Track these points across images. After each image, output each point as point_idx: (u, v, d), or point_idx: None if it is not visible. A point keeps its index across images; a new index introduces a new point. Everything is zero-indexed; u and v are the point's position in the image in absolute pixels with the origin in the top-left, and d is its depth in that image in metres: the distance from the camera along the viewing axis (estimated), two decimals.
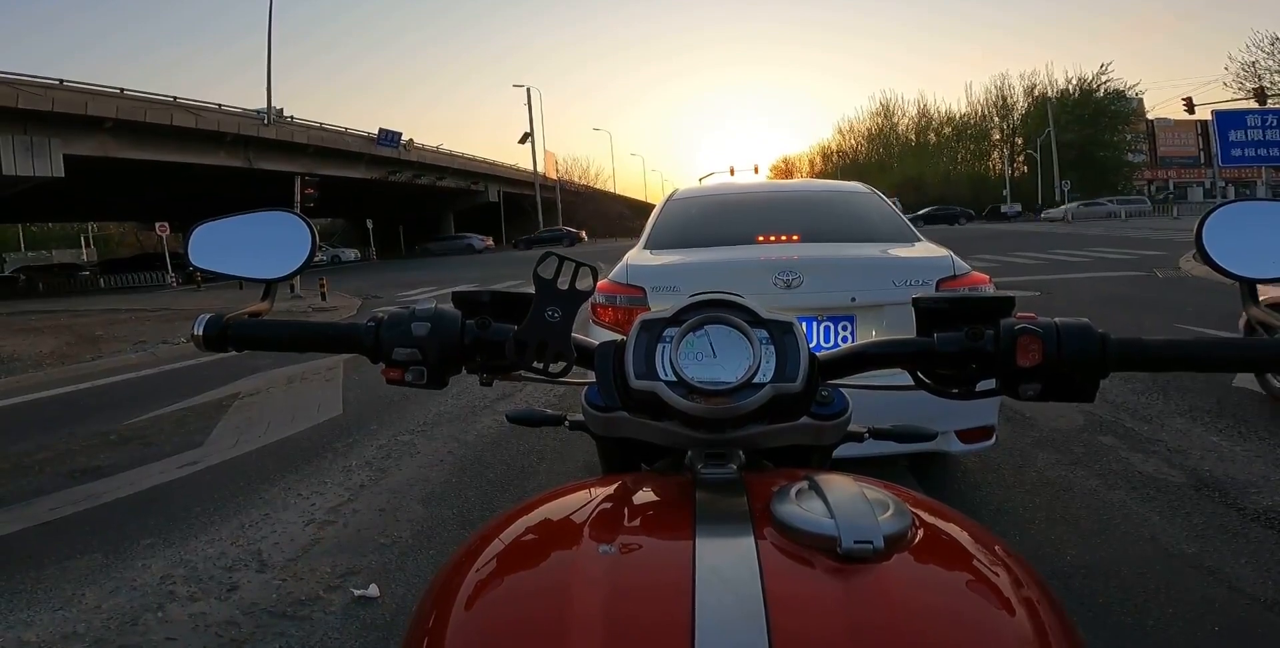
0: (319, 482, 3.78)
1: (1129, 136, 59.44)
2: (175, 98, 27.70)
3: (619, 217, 61.29)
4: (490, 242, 46.82)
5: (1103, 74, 58.67)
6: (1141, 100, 59.21)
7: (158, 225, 27.27)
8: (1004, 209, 51.33)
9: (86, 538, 3.20)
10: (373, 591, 2.57)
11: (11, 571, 2.91)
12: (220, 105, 30.00)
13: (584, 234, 48.21)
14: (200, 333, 0.79)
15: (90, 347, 9.91)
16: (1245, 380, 4.62)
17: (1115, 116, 58.27)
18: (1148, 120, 58.75)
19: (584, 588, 0.51)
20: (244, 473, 3.99)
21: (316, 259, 0.89)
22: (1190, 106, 31.18)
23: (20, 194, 25.02)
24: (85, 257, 56.81)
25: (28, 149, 22.02)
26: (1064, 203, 42.15)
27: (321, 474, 3.90)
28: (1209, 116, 21.13)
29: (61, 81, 23.65)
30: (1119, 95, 58.46)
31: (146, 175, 29.39)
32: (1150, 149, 60.72)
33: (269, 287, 0.85)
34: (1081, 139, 54.66)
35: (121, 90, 25.67)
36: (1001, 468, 3.48)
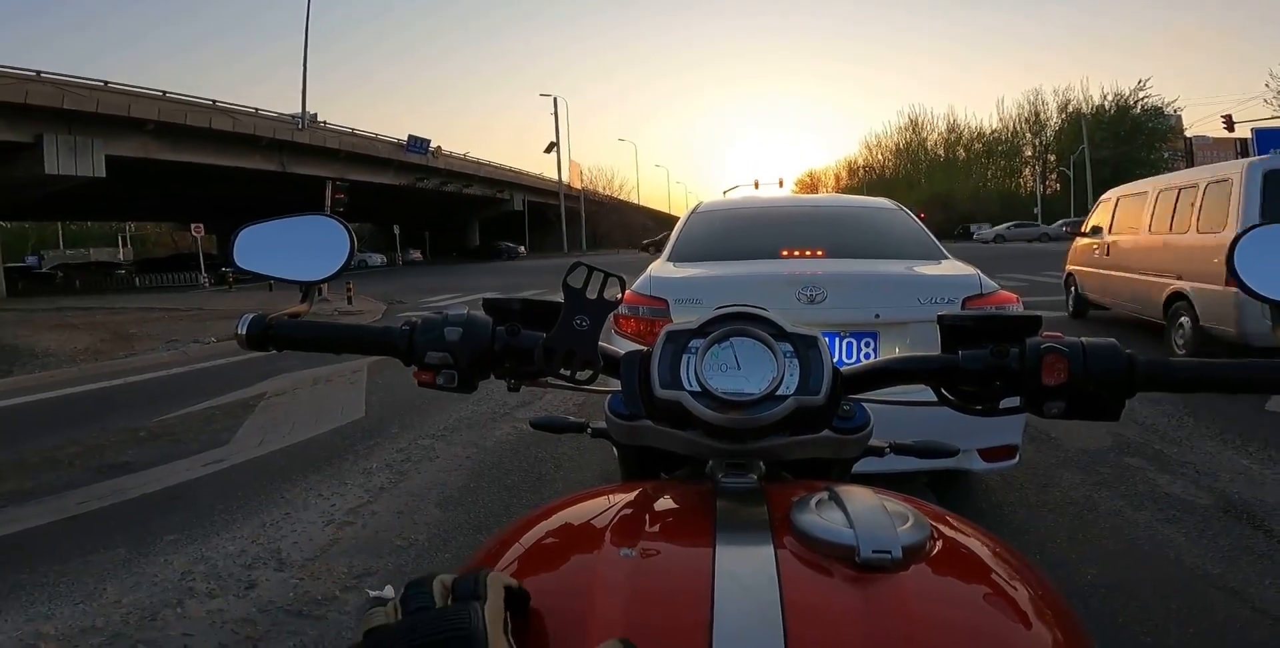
0: (339, 483, 3.81)
1: (1166, 154, 58.50)
2: (215, 101, 28.26)
3: (642, 228, 61.41)
4: (419, 254, 48.22)
5: (1140, 90, 57.90)
6: (1180, 117, 58.29)
7: (193, 227, 27.72)
8: (973, 229, 49.48)
9: (111, 533, 3.25)
10: (388, 592, 2.57)
11: (35, 563, 2.96)
12: (257, 109, 30.62)
13: (523, 248, 49.65)
14: (244, 332, 0.81)
15: (124, 344, 10.09)
16: (1278, 404, 4.53)
17: (1152, 134, 57.39)
18: (1186, 138, 57.73)
19: (604, 591, 0.51)
20: (267, 472, 4.04)
21: (354, 259, 0.91)
22: (1230, 124, 30.67)
23: (61, 192, 25.61)
24: (122, 255, 57.75)
25: (71, 149, 22.56)
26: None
27: (342, 476, 3.94)
28: (1249, 135, 20.72)
29: (106, 83, 24.20)
30: (1157, 112, 57.59)
31: (184, 177, 29.99)
32: (1188, 167, 59.66)
33: (307, 289, 0.88)
34: (1117, 156, 53.85)
35: (164, 93, 26.26)
36: (1024, 487, 3.44)
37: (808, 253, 3.30)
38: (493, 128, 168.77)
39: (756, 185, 49.59)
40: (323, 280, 0.87)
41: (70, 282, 31.95)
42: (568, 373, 0.75)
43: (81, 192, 26.52)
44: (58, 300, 21.04)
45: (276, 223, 0.90)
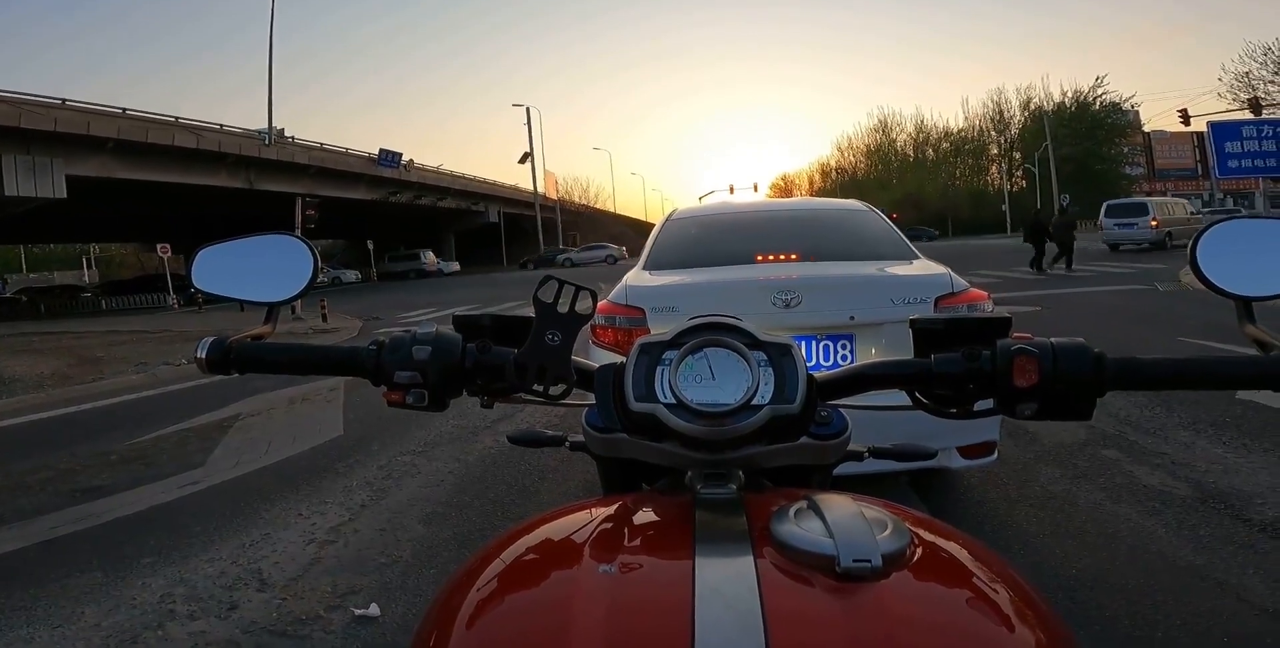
0: (320, 502, 3.76)
1: (1126, 149, 59.68)
2: (177, 118, 27.94)
3: (619, 236, 61.39)
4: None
5: (1098, 86, 59.06)
6: (1138, 112, 59.56)
7: (159, 247, 27.26)
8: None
9: (86, 557, 3.19)
10: (373, 610, 2.56)
11: (11, 588, 2.90)
12: (222, 126, 30.21)
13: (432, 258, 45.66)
14: (204, 356, 0.80)
15: (92, 368, 9.91)
16: (1249, 392, 4.61)
17: (1112, 129, 58.53)
18: (1144, 132, 59.04)
19: (584, 606, 0.51)
20: (245, 493, 3.98)
21: (317, 280, 0.90)
22: (1186, 118, 31.16)
23: (22, 215, 25.10)
24: (87, 278, 56.92)
25: (30, 170, 22.09)
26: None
27: (322, 494, 3.89)
28: (1205, 128, 21.18)
29: (64, 101, 23.80)
30: (1115, 108, 58.74)
31: (148, 196, 29.50)
32: (1147, 161, 60.99)
33: (271, 309, 0.86)
34: (1079, 153, 54.83)
35: (124, 110, 25.85)
36: (1005, 483, 3.47)
37: (782, 257, 3.32)
38: (466, 140, 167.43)
39: (731, 190, 49.99)
40: (286, 301, 0.86)
41: (35, 306, 31.37)
42: (541, 388, 0.75)
43: (43, 213, 25.99)
44: (22, 325, 20.64)
45: (237, 243, 0.89)
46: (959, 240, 44.18)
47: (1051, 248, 16.91)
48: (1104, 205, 24.34)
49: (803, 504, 0.59)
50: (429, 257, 44.24)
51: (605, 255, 43.91)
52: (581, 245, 47.55)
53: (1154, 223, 22.06)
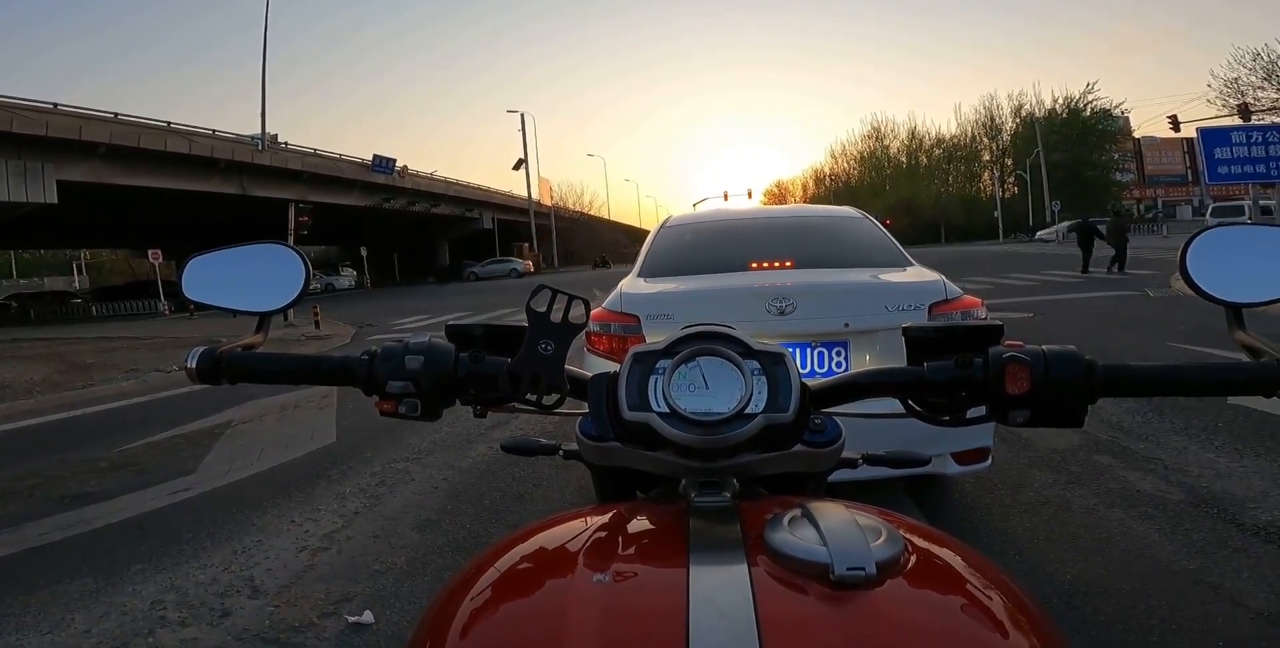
0: (312, 509, 3.74)
1: (1116, 155, 60.02)
2: (169, 123, 27.77)
3: (613, 243, 61.32)
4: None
5: (1089, 93, 59.42)
6: (1128, 119, 59.96)
7: (150, 253, 27.20)
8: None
9: (76, 563, 3.17)
10: (367, 617, 2.54)
11: (0, 594, 2.88)
12: (214, 131, 30.07)
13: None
14: (194, 366, 0.79)
15: (82, 374, 9.86)
16: (1240, 398, 4.63)
17: (1102, 135, 58.87)
18: (1134, 139, 59.35)
19: (578, 616, 0.51)
20: (236, 500, 3.96)
21: (310, 287, 0.89)
22: (1176, 124, 31.34)
23: (13, 220, 24.99)
24: (77, 284, 56.67)
25: (21, 175, 22.01)
26: (1055, 224, 42.34)
27: (315, 501, 3.87)
28: (1194, 134, 21.25)
29: (56, 105, 23.69)
30: (1105, 114, 59.08)
31: (139, 202, 29.38)
32: (1138, 167, 61.36)
33: (263, 319, 0.86)
34: (1070, 159, 55.10)
35: (115, 115, 25.72)
36: (999, 489, 3.47)
37: (776, 264, 3.32)
38: (461, 147, 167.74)
39: (726, 197, 49.81)
40: (277, 310, 0.86)
41: (25, 312, 31.21)
42: (534, 398, 0.75)
43: (34, 219, 25.90)
44: (12, 332, 20.53)
45: (227, 252, 0.89)
46: (951, 247, 44.32)
47: (1097, 253, 17.46)
48: (1210, 207, 30.97)
49: (796, 512, 0.59)
50: (350, 271, 48.41)
51: (509, 269, 45.70)
52: (486, 260, 48.58)
53: (1248, 221, 27.56)
